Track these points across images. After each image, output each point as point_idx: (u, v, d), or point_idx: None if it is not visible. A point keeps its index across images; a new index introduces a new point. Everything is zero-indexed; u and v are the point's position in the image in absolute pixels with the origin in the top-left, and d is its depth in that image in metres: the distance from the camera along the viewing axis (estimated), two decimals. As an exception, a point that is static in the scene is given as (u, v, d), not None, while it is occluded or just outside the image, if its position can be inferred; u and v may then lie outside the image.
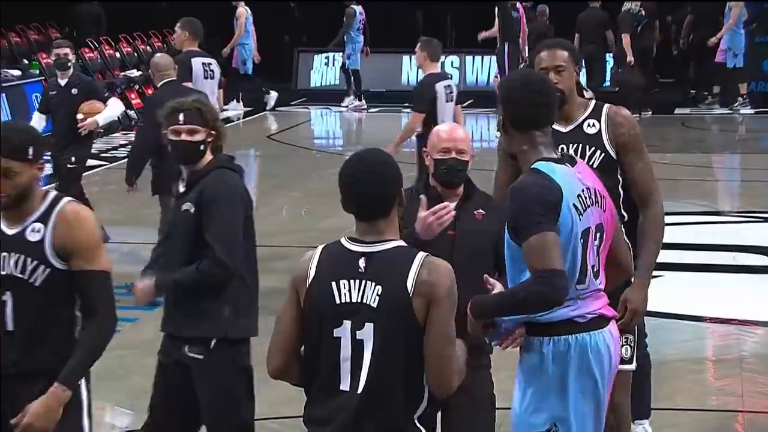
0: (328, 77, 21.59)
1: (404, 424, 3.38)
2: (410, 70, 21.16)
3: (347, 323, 3.35)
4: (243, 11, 17.98)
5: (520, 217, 3.71)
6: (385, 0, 20.86)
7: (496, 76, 18.28)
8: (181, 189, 4.74)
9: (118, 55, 19.83)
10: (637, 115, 17.58)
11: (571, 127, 4.71)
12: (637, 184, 4.67)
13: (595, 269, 3.83)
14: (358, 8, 19.01)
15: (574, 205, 3.76)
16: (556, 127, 4.48)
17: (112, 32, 20.10)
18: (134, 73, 19.06)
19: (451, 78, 9.69)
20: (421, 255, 3.37)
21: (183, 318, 4.65)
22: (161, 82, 8.57)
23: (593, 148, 4.66)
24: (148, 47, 20.15)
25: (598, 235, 3.83)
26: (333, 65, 21.52)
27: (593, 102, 4.80)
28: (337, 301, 3.36)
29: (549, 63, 4.67)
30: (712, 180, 13.10)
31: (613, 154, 4.66)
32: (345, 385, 3.36)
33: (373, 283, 3.34)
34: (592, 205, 3.82)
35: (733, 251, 9.63)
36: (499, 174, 4.74)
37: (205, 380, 4.62)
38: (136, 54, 20.17)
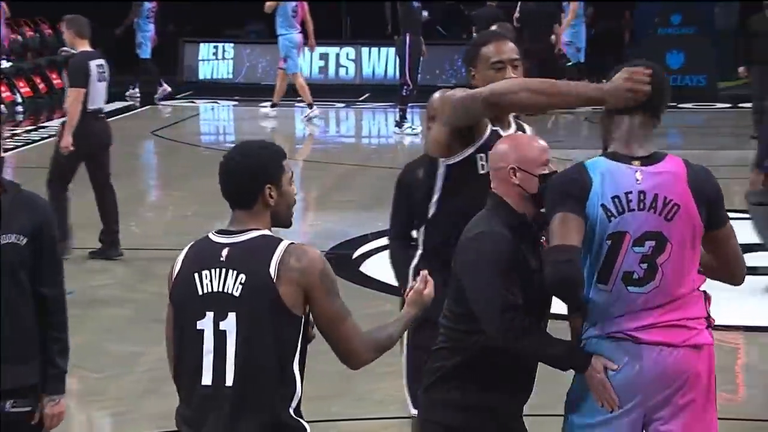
0: (220, 69, 21.46)
1: (281, 417, 3.38)
2: (304, 62, 21.15)
3: (210, 314, 3.38)
4: None
5: (545, 206, 3.85)
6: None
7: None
8: None
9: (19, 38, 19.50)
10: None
11: (510, 131, 4.34)
12: None
13: (633, 277, 3.78)
14: None
15: (603, 205, 3.78)
16: (499, 130, 4.29)
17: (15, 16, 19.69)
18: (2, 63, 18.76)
19: (104, 58, 9.77)
20: (285, 242, 3.43)
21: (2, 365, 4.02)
22: None
23: None
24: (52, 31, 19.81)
25: (647, 243, 3.78)
26: (223, 57, 21.41)
27: None
28: (200, 293, 3.40)
29: (508, 56, 4.28)
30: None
31: None
32: (207, 380, 3.38)
33: (235, 272, 3.38)
34: (641, 210, 3.78)
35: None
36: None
37: None
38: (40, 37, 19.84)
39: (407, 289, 3.76)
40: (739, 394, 6.91)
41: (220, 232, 3.49)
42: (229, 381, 3.36)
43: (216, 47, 21.54)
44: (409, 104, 16.58)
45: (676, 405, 3.80)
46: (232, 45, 21.55)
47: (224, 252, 3.42)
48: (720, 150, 14.41)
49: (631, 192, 3.79)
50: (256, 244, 3.42)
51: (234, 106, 19.47)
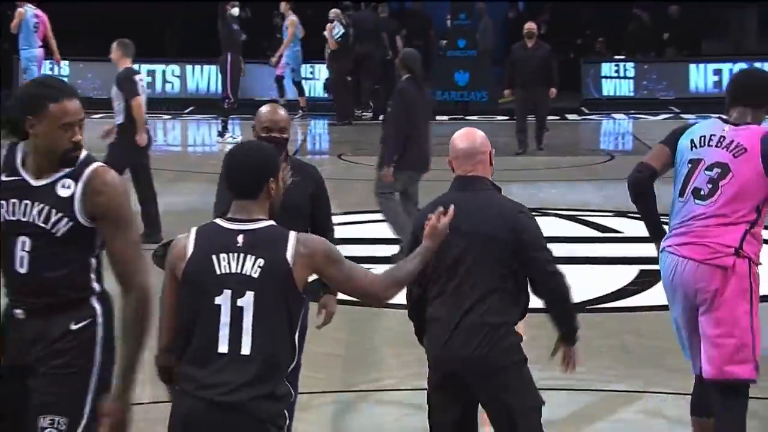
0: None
1: (283, 381, 3.54)
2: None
3: (228, 292, 3.47)
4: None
5: None
6: (101, 1, 20.37)
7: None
8: None
9: None
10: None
11: (43, 183, 3.71)
12: (117, 262, 3.69)
13: (701, 193, 4.68)
14: None
15: (691, 140, 4.74)
16: (26, 177, 3.72)
17: None
18: None
19: None
20: (294, 233, 3.57)
21: None
22: None
23: (60, 215, 3.67)
24: None
25: (715, 169, 4.66)
26: (59, 72, 20.88)
27: (83, 155, 3.76)
28: (217, 272, 3.49)
29: (76, 117, 3.69)
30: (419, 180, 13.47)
31: (85, 223, 3.68)
32: (224, 348, 3.46)
33: (253, 257, 3.49)
34: (715, 146, 4.70)
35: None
36: None
37: None
38: None
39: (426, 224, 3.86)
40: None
41: (229, 219, 3.56)
42: (245, 350, 3.45)
43: (52, 63, 20.95)
44: (231, 116, 16.45)
45: (704, 302, 4.64)
46: (67, 62, 21.00)
47: (239, 238, 3.52)
48: (498, 156, 14.74)
49: (714, 135, 4.71)
50: (269, 233, 3.54)
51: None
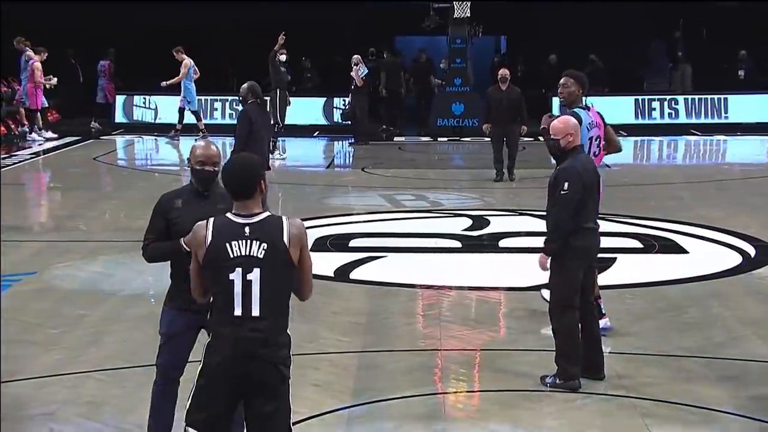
0: (147, 115, 21.03)
1: (285, 334, 3.70)
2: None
3: (239, 270, 3.61)
4: None
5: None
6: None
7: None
8: None
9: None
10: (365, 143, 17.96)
11: None
12: None
13: (594, 153, 6.48)
14: None
15: (589, 123, 6.43)
16: None
17: None
18: None
19: None
20: (285, 218, 3.70)
21: None
22: None
23: None
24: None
25: (597, 137, 6.53)
26: (148, 106, 20.99)
27: None
28: (231, 256, 3.62)
29: None
30: (425, 188, 13.47)
31: None
32: (238, 312, 3.62)
33: (258, 242, 3.62)
34: (595, 127, 6.51)
35: (436, 237, 9.93)
36: None
37: None
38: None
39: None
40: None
41: (236, 214, 3.67)
42: (255, 312, 3.61)
43: (145, 99, 21.11)
44: (279, 137, 16.56)
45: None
46: (154, 97, 21.14)
47: (246, 229, 3.64)
48: (485, 169, 14.72)
49: (592, 121, 6.48)
50: (269, 222, 3.66)
51: (154, 139, 19.04)
